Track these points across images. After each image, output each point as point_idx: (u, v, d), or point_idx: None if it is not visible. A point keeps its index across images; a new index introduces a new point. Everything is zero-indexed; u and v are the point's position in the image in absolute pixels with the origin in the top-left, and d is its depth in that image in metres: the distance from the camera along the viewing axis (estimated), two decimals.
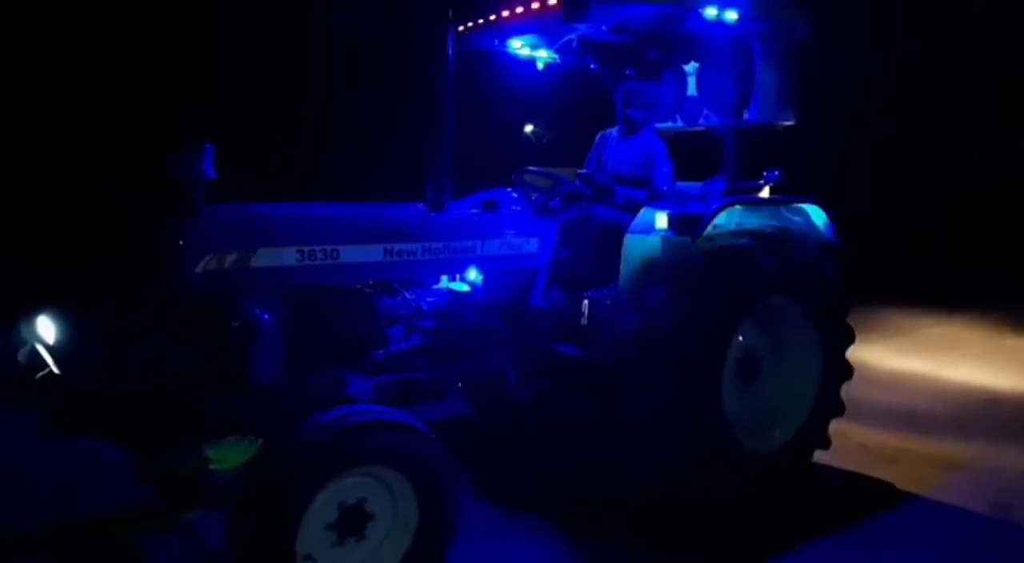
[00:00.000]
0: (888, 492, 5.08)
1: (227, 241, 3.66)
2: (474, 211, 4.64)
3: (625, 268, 4.67)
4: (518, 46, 5.60)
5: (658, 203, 4.74)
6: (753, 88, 5.17)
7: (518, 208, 4.78)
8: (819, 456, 5.12)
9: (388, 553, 3.55)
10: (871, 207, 12.94)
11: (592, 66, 5.92)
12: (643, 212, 4.71)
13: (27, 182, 9.11)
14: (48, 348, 3.57)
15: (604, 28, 5.21)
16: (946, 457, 5.66)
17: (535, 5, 4.59)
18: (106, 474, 4.36)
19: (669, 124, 5.94)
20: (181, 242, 3.58)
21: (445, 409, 5.49)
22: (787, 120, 5.37)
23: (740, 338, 4.79)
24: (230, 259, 3.65)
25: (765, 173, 5.43)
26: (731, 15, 4.63)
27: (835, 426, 5.14)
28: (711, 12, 4.56)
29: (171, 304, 3.56)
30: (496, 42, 5.43)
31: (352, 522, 3.44)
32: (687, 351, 4.28)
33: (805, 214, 5.12)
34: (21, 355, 3.59)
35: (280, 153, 9.64)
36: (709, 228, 4.56)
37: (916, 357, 8.44)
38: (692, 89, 5.76)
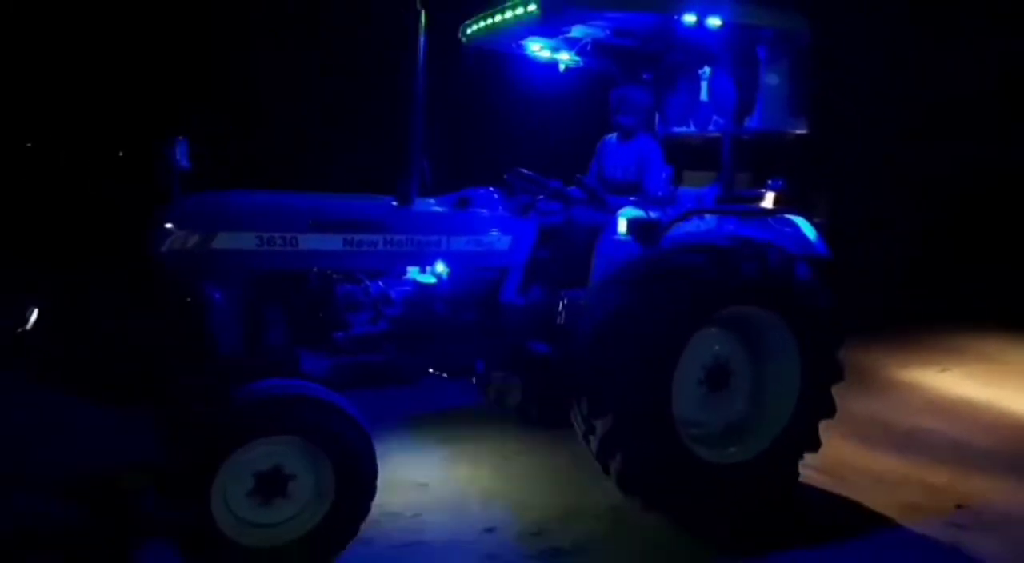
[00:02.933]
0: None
1: (190, 225, 4.07)
2: (442, 207, 4.84)
3: (594, 270, 4.76)
4: (537, 49, 5.75)
5: (628, 209, 4.79)
6: (756, 94, 5.11)
7: (494, 207, 4.93)
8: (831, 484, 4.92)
9: (309, 515, 3.85)
10: (897, 209, 12.30)
11: (610, 70, 5.98)
12: (615, 217, 4.77)
13: (26, 173, 9.94)
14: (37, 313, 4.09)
15: (607, 32, 5.27)
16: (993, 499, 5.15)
17: (519, 11, 4.73)
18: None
19: (684, 128, 5.92)
20: (152, 225, 4.03)
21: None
22: (798, 128, 5.26)
23: (716, 347, 4.78)
24: (192, 241, 4.05)
25: (769, 181, 5.34)
26: (714, 21, 4.60)
27: (866, 456, 4.94)
28: (690, 19, 4.56)
29: (141, 279, 4.02)
30: (512, 45, 5.60)
31: (273, 485, 3.76)
32: (635, 358, 4.32)
33: (793, 225, 5.00)
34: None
35: (273, 148, 10.13)
36: (671, 235, 4.56)
37: (977, 382, 7.85)
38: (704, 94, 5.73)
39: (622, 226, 4.60)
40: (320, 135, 10.44)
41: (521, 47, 5.70)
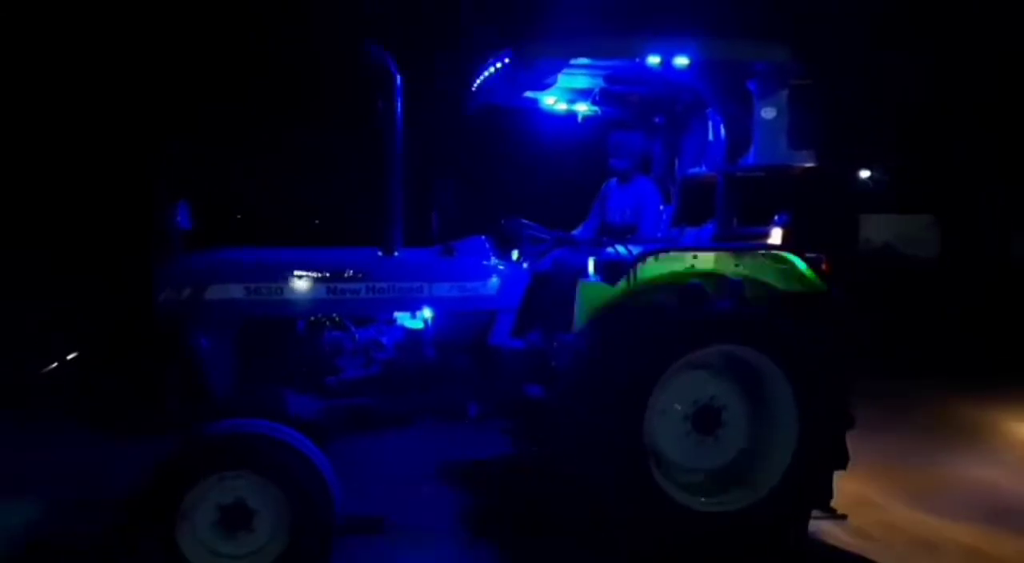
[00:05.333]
0: None
1: (186, 278, 4.53)
2: (426, 255, 5.04)
3: (576, 312, 4.79)
4: (551, 102, 5.92)
5: (600, 249, 4.81)
6: (751, 130, 5.02)
7: (482, 253, 5.07)
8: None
9: (271, 549, 4.08)
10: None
11: (623, 116, 6.03)
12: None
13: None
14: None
15: (599, 80, 5.37)
16: None
17: (497, 65, 4.93)
18: None
19: (697, 170, 5.84)
20: (152, 281, 4.52)
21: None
22: (803, 162, 5.10)
23: (708, 390, 4.65)
24: (185, 293, 4.50)
25: (775, 217, 5.17)
26: (681, 61, 4.61)
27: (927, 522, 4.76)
28: (654, 61, 4.60)
29: (142, 329, 4.50)
30: (518, 100, 5.81)
31: (237, 519, 4.03)
32: (601, 399, 4.31)
33: (786, 261, 4.80)
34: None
35: (267, 208, 10.64)
36: (647, 276, 4.53)
37: None
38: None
39: (590, 266, 4.63)
40: (312, 193, 11.04)
41: (536, 101, 5.90)
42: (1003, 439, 7.33)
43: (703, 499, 4.56)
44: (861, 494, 5.74)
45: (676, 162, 6.04)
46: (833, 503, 5.13)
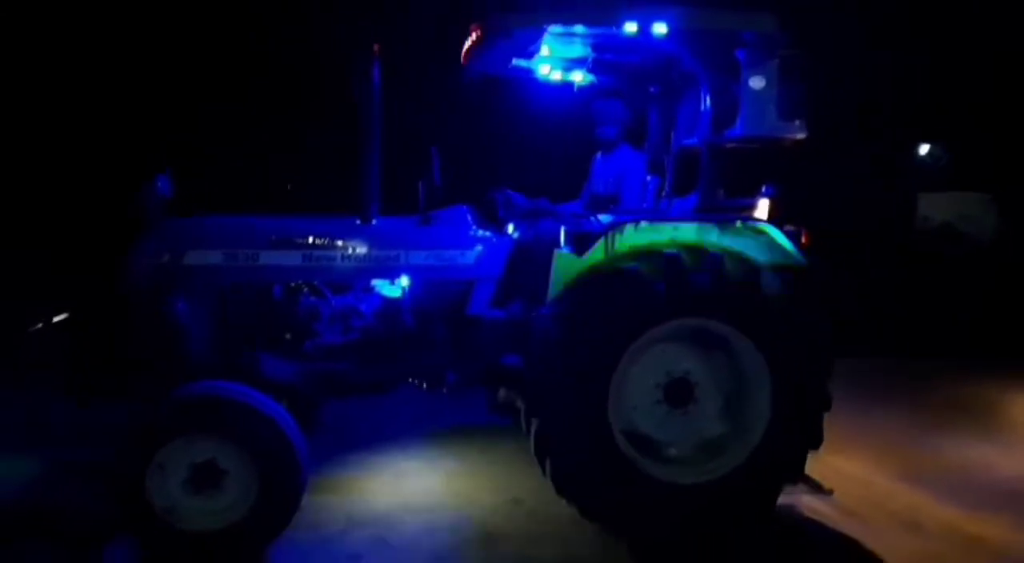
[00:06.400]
0: None
1: (165, 244, 4.64)
2: (404, 224, 5.07)
3: (551, 283, 4.77)
4: (546, 71, 5.86)
5: (576, 219, 4.76)
6: (739, 101, 4.90)
7: (462, 223, 5.07)
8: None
9: (236, 512, 4.20)
10: None
11: (619, 85, 5.93)
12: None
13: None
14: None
15: (588, 48, 5.28)
16: None
17: (473, 37, 4.89)
18: None
19: (691, 141, 5.72)
20: (133, 248, 4.65)
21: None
22: (793, 133, 4.97)
23: (683, 364, 4.61)
24: (165, 258, 4.62)
25: (763, 188, 5.06)
26: (659, 29, 4.52)
27: (916, 501, 4.74)
28: (631, 28, 4.51)
29: (124, 293, 4.64)
30: (508, 69, 5.75)
31: (207, 478, 4.16)
32: (569, 368, 4.31)
33: (764, 234, 4.69)
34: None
35: (249, 176, 10.71)
36: (613, 246, 4.48)
37: None
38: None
39: (561, 237, 4.60)
40: (293, 162, 11.14)
41: (530, 71, 5.84)
42: (1008, 419, 7.13)
43: (674, 470, 4.52)
44: (851, 471, 5.67)
45: (672, 133, 5.94)
46: (821, 478, 5.12)
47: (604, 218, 4.77)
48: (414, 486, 5.37)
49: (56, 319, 4.68)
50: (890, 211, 13.80)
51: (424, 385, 5.16)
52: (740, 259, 4.49)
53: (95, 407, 4.63)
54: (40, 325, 4.68)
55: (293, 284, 4.89)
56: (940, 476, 5.61)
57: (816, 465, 5.13)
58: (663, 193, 5.51)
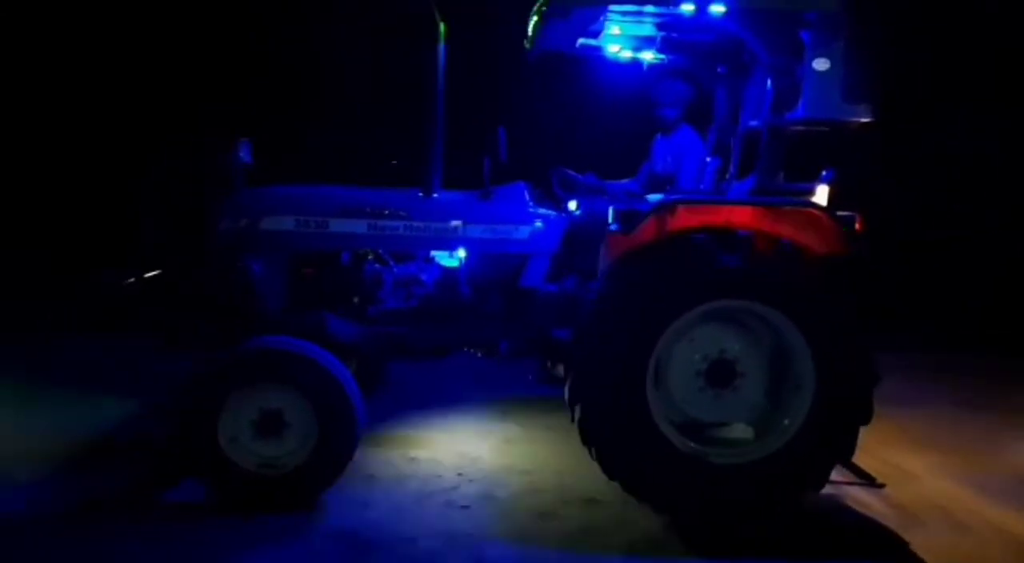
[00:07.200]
0: None
1: (242, 210, 5.03)
2: (464, 198, 5.28)
3: (601, 260, 4.90)
4: (615, 50, 5.93)
5: (622, 198, 4.86)
6: (801, 83, 4.86)
7: (519, 199, 5.24)
8: None
9: (296, 457, 4.57)
10: None
11: (687, 65, 5.93)
12: None
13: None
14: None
15: (650, 27, 5.31)
16: None
17: (535, 17, 5.01)
18: None
19: (756, 123, 5.68)
20: (214, 212, 5.06)
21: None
22: (858, 116, 4.90)
23: (727, 346, 4.67)
24: (243, 222, 5.01)
25: (823, 172, 5.02)
26: (716, 8, 4.54)
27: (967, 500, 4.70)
28: (688, 8, 4.55)
29: (206, 254, 5.07)
30: (575, 48, 5.84)
31: (270, 425, 4.53)
32: (606, 345, 4.43)
33: (817, 219, 4.66)
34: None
35: (326, 149, 10.79)
36: (661, 226, 4.56)
37: None
38: None
39: (610, 216, 4.71)
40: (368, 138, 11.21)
41: (600, 49, 5.92)
42: None
43: (717, 451, 4.59)
44: (911, 467, 5.57)
45: (739, 114, 5.91)
46: (878, 474, 5.07)
47: (653, 197, 4.84)
48: (517, 451, 5.67)
49: (148, 275, 5.16)
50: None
51: (479, 353, 5.40)
52: (780, 242, 4.48)
53: (182, 354, 5.08)
54: (133, 280, 5.16)
55: (359, 251, 5.20)
56: (1004, 479, 5.43)
57: (876, 461, 5.11)
58: (726, 175, 5.51)
